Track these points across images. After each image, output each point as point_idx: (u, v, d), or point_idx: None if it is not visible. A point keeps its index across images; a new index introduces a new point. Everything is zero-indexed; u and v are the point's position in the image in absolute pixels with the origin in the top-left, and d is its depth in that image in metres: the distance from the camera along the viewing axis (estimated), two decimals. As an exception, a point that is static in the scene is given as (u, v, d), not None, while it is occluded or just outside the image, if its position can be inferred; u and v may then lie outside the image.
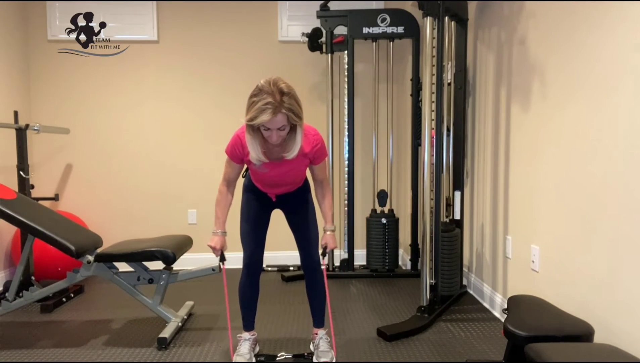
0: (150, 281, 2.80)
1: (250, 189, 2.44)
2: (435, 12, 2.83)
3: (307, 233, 2.43)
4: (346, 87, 3.96)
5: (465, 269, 3.52)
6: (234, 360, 2.36)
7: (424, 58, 2.91)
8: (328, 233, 2.36)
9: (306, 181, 2.48)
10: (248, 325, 2.49)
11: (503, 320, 2.46)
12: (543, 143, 2.50)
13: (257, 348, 2.52)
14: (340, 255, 4.19)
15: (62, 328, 2.90)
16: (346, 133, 3.99)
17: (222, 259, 2.43)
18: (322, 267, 2.43)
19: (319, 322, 2.47)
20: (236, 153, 2.23)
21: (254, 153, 2.11)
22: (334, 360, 2.36)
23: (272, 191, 2.40)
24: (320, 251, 2.42)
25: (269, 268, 4.20)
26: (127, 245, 2.86)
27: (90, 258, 2.76)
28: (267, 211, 2.46)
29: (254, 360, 2.40)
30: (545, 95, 2.47)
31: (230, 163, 2.28)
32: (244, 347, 2.41)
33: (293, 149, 2.10)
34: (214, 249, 2.37)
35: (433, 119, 2.87)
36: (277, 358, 2.44)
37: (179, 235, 3.12)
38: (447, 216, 3.29)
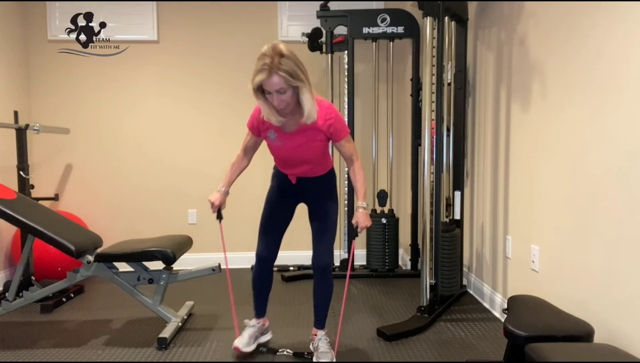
0: (150, 281, 2.80)
1: (275, 175, 2.49)
2: (435, 12, 2.83)
3: (321, 231, 2.38)
4: (346, 87, 3.96)
5: (465, 269, 3.52)
6: (233, 344, 2.43)
7: (424, 58, 2.91)
8: (360, 210, 2.27)
9: (331, 173, 2.43)
10: (257, 312, 2.56)
11: (503, 320, 2.46)
12: (543, 143, 2.50)
13: (268, 337, 2.57)
14: (340, 255, 4.19)
15: (62, 328, 2.90)
16: (346, 133, 3.98)
17: (219, 217, 2.48)
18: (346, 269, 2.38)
19: (319, 324, 2.47)
20: (253, 124, 2.31)
21: (267, 112, 2.13)
22: (334, 361, 2.36)
23: (291, 172, 2.39)
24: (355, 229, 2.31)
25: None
26: (127, 245, 2.86)
27: (90, 258, 2.76)
28: (287, 201, 2.46)
29: (252, 347, 2.45)
30: (546, 95, 2.47)
31: (248, 132, 2.37)
32: (246, 333, 2.49)
33: (306, 112, 2.09)
34: (211, 204, 2.43)
35: (433, 119, 2.87)
36: (277, 352, 2.48)
37: (179, 235, 3.12)
38: (447, 216, 3.29)
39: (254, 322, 2.54)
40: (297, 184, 2.42)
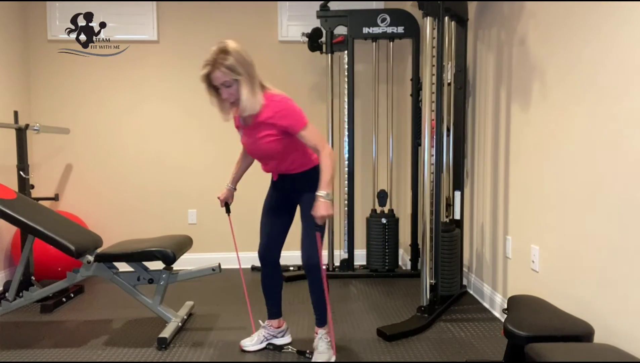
0: (150, 281, 2.80)
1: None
2: (435, 12, 2.83)
3: (305, 227, 2.36)
4: (346, 87, 3.96)
5: (465, 269, 3.52)
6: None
7: (424, 58, 2.91)
8: (320, 200, 2.16)
9: (315, 170, 2.33)
10: (268, 314, 2.59)
11: (503, 320, 2.46)
12: (543, 143, 2.50)
13: (284, 340, 2.58)
14: (340, 255, 4.19)
15: (62, 328, 2.90)
16: (346, 133, 3.99)
17: (227, 211, 2.65)
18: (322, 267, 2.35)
19: (318, 322, 2.47)
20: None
21: (216, 106, 2.27)
22: (333, 360, 2.36)
23: (264, 169, 2.44)
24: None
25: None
26: (127, 245, 2.86)
27: (90, 258, 2.76)
28: (278, 200, 2.48)
29: (255, 347, 2.53)
30: (546, 95, 2.47)
31: None
32: (256, 333, 2.59)
33: (242, 105, 2.16)
34: (219, 199, 2.61)
35: (433, 119, 2.87)
36: (282, 350, 2.52)
37: (179, 235, 3.12)
38: (447, 216, 3.29)
39: (265, 323, 2.59)
40: (281, 181, 2.42)
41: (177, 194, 4.34)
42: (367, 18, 3.89)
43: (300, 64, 4.32)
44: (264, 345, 2.55)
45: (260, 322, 2.64)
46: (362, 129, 4.32)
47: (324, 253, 4.04)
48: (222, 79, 2.15)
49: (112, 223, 4.24)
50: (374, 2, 4.35)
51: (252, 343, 2.55)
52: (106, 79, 4.24)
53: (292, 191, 2.42)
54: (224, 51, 2.15)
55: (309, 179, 2.34)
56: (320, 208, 2.15)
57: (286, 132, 2.23)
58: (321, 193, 2.17)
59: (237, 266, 4.30)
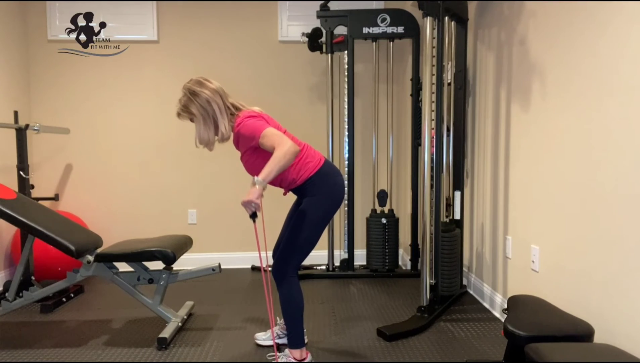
0: (150, 281, 2.80)
1: None
2: (435, 12, 2.83)
3: (283, 242, 2.34)
4: (346, 87, 3.96)
5: (465, 269, 3.52)
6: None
7: (424, 58, 2.91)
8: (252, 185, 2.04)
9: (308, 184, 2.30)
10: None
11: (503, 320, 2.46)
12: (543, 142, 2.50)
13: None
14: (340, 254, 4.19)
15: (62, 328, 2.90)
16: (346, 133, 3.99)
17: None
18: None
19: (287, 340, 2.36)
20: None
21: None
22: None
23: (272, 185, 2.42)
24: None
25: (269, 269, 4.20)
26: (127, 245, 2.86)
27: (90, 258, 2.76)
28: (292, 207, 2.54)
29: (266, 343, 2.59)
30: (546, 95, 2.47)
31: None
32: (269, 331, 2.65)
33: (197, 139, 2.35)
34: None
35: (433, 119, 2.88)
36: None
37: (179, 235, 3.12)
38: (447, 216, 3.29)
39: (280, 321, 2.64)
40: (290, 194, 2.44)
41: (177, 194, 4.34)
42: (367, 18, 3.89)
43: (300, 64, 4.32)
44: (271, 342, 2.56)
45: (277, 318, 2.67)
46: (362, 129, 4.32)
47: (324, 253, 4.10)
48: (186, 117, 2.38)
49: (112, 223, 4.24)
50: (374, 2, 4.35)
51: (264, 338, 2.62)
52: (106, 79, 4.24)
53: (300, 201, 2.42)
54: (183, 92, 2.35)
55: (303, 192, 2.33)
56: (248, 194, 2.02)
57: (257, 148, 2.22)
58: (256, 178, 2.04)
59: (237, 266, 4.32)
